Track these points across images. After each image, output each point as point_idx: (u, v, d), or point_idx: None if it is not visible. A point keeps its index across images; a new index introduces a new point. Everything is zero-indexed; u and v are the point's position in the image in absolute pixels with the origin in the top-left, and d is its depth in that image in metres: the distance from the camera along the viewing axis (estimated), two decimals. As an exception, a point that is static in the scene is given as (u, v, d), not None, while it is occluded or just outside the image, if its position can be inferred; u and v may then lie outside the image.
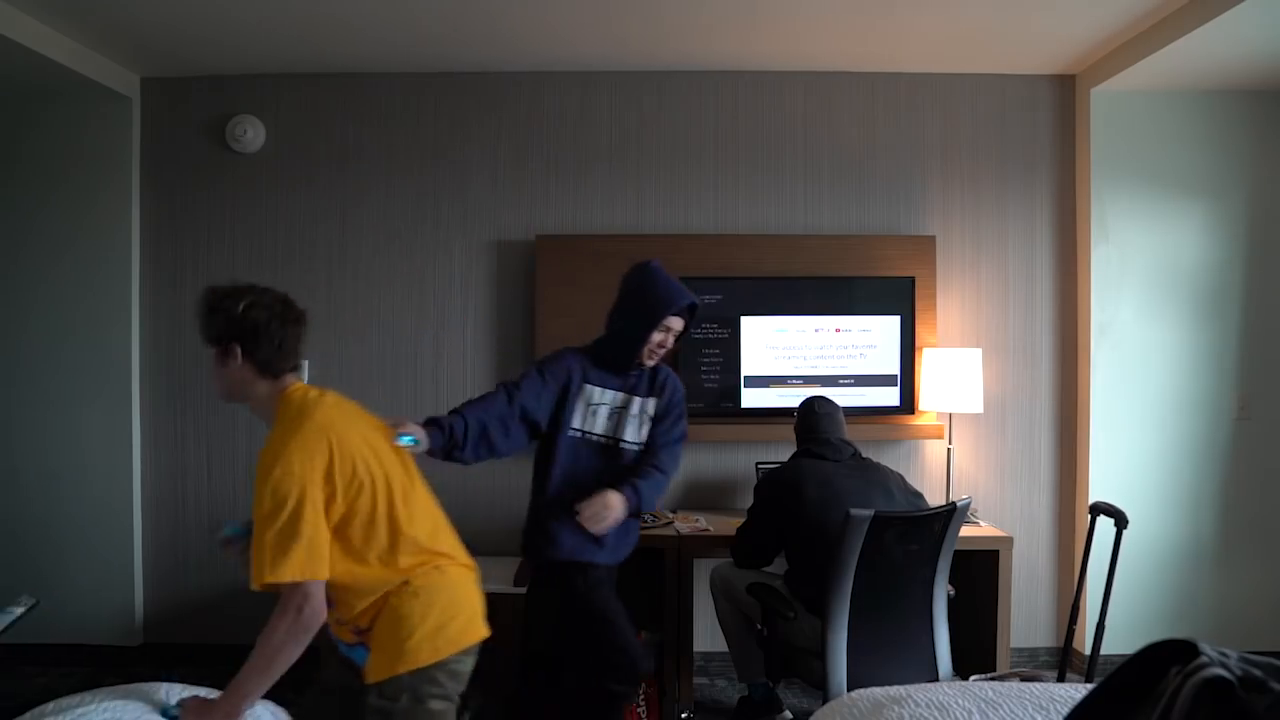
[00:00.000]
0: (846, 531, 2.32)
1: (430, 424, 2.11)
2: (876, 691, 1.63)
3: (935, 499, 3.32)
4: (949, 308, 3.57)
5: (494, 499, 3.57)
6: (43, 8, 2.92)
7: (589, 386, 2.36)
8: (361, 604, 1.67)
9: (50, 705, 1.53)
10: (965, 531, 2.95)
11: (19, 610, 1.88)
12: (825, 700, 2.35)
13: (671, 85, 3.58)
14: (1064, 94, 3.59)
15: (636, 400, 2.40)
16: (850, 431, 2.83)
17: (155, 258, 3.61)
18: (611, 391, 2.39)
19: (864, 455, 2.75)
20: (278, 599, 1.55)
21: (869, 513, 2.30)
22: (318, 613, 1.56)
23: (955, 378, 3.28)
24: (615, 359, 2.39)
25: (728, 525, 3.10)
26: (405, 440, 1.90)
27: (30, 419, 3.56)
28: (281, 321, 1.70)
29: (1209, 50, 3.01)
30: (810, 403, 2.84)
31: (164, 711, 1.61)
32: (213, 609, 3.59)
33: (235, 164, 3.59)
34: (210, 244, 3.61)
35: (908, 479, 2.75)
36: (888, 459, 3.48)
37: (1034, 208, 3.60)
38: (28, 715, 1.50)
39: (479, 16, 3.06)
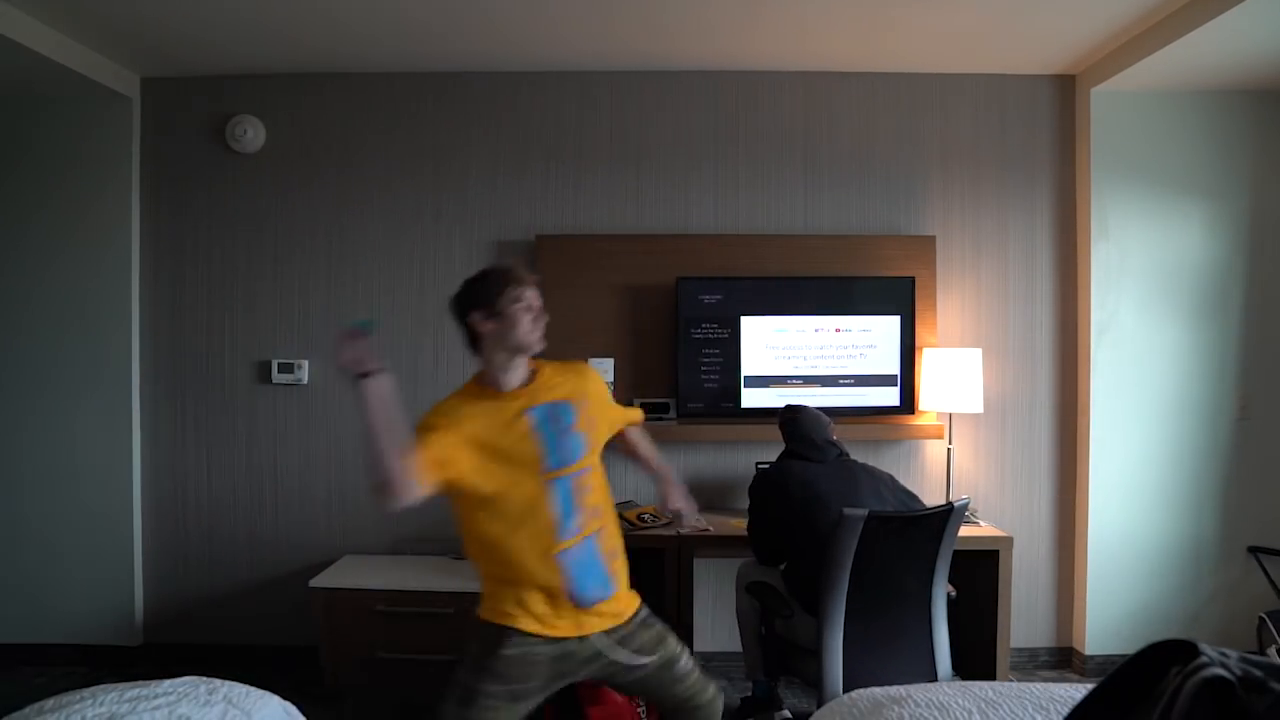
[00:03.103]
0: (838, 531, 2.32)
1: None
2: (876, 691, 1.63)
3: (935, 499, 3.32)
4: (949, 308, 3.57)
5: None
6: (43, 8, 2.92)
7: None
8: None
9: (50, 701, 1.53)
10: (965, 531, 2.95)
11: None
12: (820, 699, 2.36)
13: (672, 85, 3.58)
14: (1064, 94, 3.59)
15: None
16: (850, 431, 2.84)
17: (155, 258, 3.61)
18: None
19: (852, 457, 2.75)
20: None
21: (862, 512, 2.30)
22: None
23: (955, 378, 3.28)
24: None
25: (728, 525, 3.10)
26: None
27: (30, 419, 3.56)
28: None
29: (1209, 50, 3.01)
30: (789, 408, 2.86)
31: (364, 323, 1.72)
32: (213, 609, 3.59)
33: (235, 164, 3.59)
34: (210, 244, 3.61)
35: (908, 479, 2.76)
36: (888, 459, 3.48)
37: (1034, 208, 3.59)
38: (28, 709, 1.50)
39: (479, 16, 3.06)
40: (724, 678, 3.45)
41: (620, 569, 1.91)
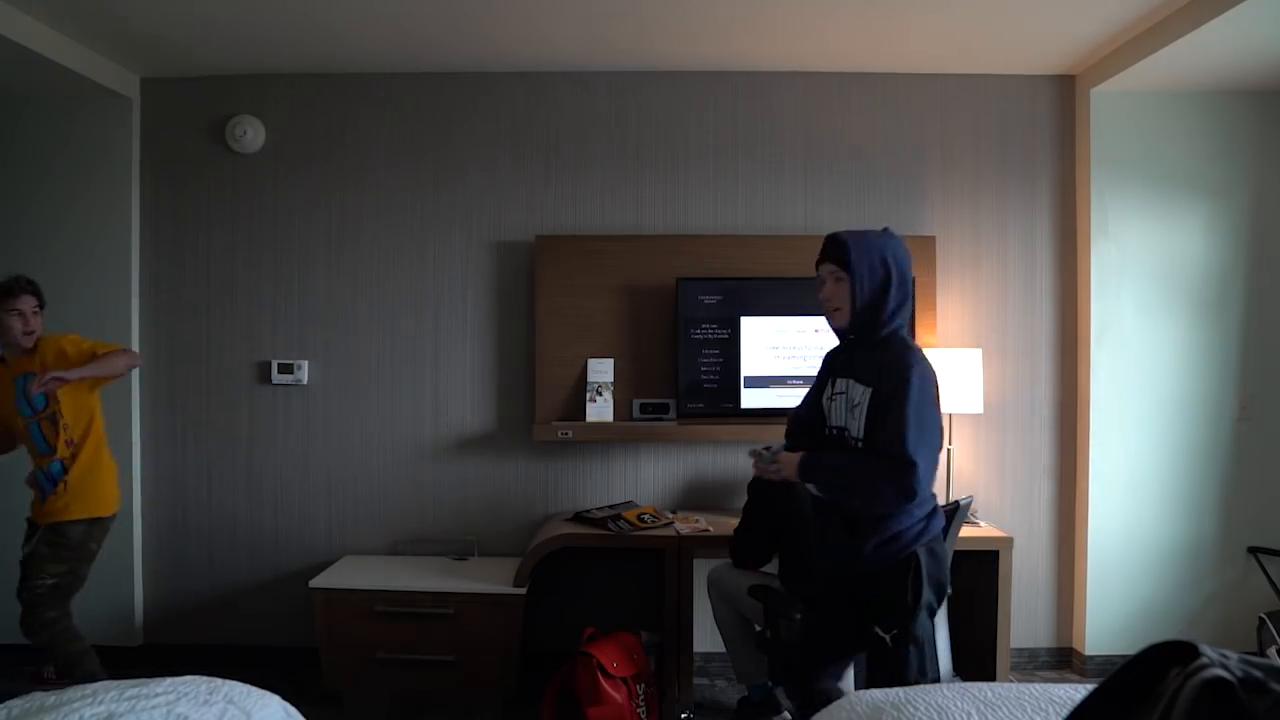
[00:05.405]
0: None
1: None
2: (876, 694, 1.62)
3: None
4: (949, 308, 3.56)
5: (494, 501, 3.57)
6: (42, 8, 2.92)
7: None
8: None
9: (51, 698, 1.53)
10: (965, 531, 2.95)
11: None
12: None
13: (672, 85, 3.58)
14: (1064, 94, 3.59)
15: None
16: (850, 431, 2.83)
17: (155, 258, 3.61)
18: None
19: None
20: None
21: None
22: None
23: (955, 378, 3.27)
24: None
25: (728, 525, 3.10)
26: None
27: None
28: None
29: (1209, 50, 3.01)
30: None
31: None
32: (213, 609, 3.59)
33: (235, 164, 3.59)
34: (210, 244, 3.61)
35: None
36: (888, 459, 3.47)
37: (1034, 208, 3.59)
38: (31, 695, 1.50)
39: (479, 17, 3.06)
40: (724, 678, 3.45)
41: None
